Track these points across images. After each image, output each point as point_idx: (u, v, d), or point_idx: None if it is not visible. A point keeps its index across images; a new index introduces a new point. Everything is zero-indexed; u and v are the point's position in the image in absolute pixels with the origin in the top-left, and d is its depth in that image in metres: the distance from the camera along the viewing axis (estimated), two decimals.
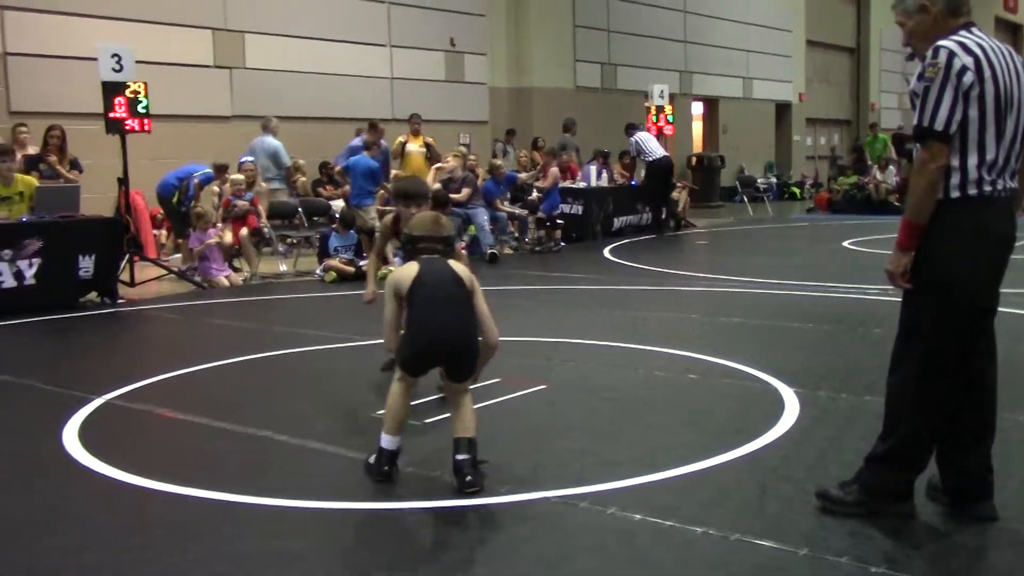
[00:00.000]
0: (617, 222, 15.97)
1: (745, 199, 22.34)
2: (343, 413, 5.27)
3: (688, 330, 7.63)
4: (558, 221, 14.07)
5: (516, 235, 14.13)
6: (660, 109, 17.92)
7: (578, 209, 15.19)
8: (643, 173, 16.58)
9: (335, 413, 5.27)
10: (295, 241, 12.72)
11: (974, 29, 3.38)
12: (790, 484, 3.95)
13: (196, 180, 11.90)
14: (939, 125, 3.26)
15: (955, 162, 3.30)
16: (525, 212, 14.23)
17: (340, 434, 4.83)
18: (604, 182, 16.19)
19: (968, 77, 3.24)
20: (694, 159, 23.84)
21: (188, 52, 14.32)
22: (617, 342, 6.95)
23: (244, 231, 11.35)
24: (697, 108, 25.40)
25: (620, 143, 17.41)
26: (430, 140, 14.06)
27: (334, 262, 11.00)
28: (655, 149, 16.07)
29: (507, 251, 13.51)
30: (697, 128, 25.67)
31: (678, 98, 23.03)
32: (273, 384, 6.05)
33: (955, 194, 3.31)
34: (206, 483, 4.08)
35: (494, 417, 5.00)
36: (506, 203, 13.83)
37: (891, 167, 20.97)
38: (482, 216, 12.83)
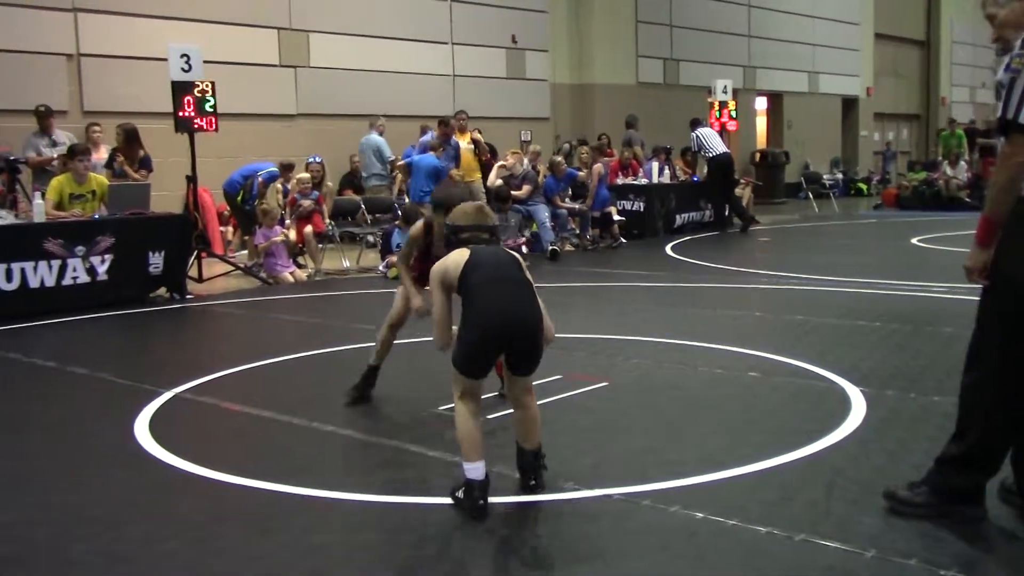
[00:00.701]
0: (679, 219, 15.85)
1: (810, 195, 22.01)
2: (405, 408, 5.31)
3: (752, 328, 7.55)
4: (615, 217, 13.98)
5: (577, 232, 14.10)
6: (723, 105, 17.75)
7: (640, 205, 15.12)
8: (705, 169, 16.45)
9: (397, 409, 5.32)
10: (372, 241, 12.80)
11: None
12: (857, 485, 3.89)
13: (260, 179, 12.08)
14: None
15: None
16: (586, 208, 14.18)
17: (403, 429, 4.87)
18: (666, 178, 16.07)
19: None
20: (758, 155, 23.55)
21: (254, 51, 14.55)
22: (680, 339, 6.90)
23: (308, 229, 11.50)
24: (761, 103, 25.08)
25: (683, 139, 17.28)
26: (477, 136, 14.06)
27: (396, 258, 11.08)
28: (715, 145, 15.92)
29: (568, 248, 13.48)
30: (761, 123, 25.34)
31: (741, 93, 22.74)
32: (337, 379, 6.12)
33: None
34: (275, 476, 4.15)
35: (557, 413, 5.00)
36: (567, 200, 13.80)
37: (962, 162, 20.50)
38: (543, 213, 12.83)
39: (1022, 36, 3.19)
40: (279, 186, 12.44)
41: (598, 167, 14.09)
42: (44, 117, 11.23)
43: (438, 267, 3.89)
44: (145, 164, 11.24)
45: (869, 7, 27.82)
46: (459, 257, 3.83)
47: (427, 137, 13.49)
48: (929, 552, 3.24)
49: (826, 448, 4.37)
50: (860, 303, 8.51)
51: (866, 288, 9.31)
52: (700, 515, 3.60)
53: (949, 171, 20.11)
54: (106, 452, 4.71)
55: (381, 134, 14.21)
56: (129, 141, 11.07)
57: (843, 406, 5.03)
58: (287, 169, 12.51)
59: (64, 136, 11.25)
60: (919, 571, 3.11)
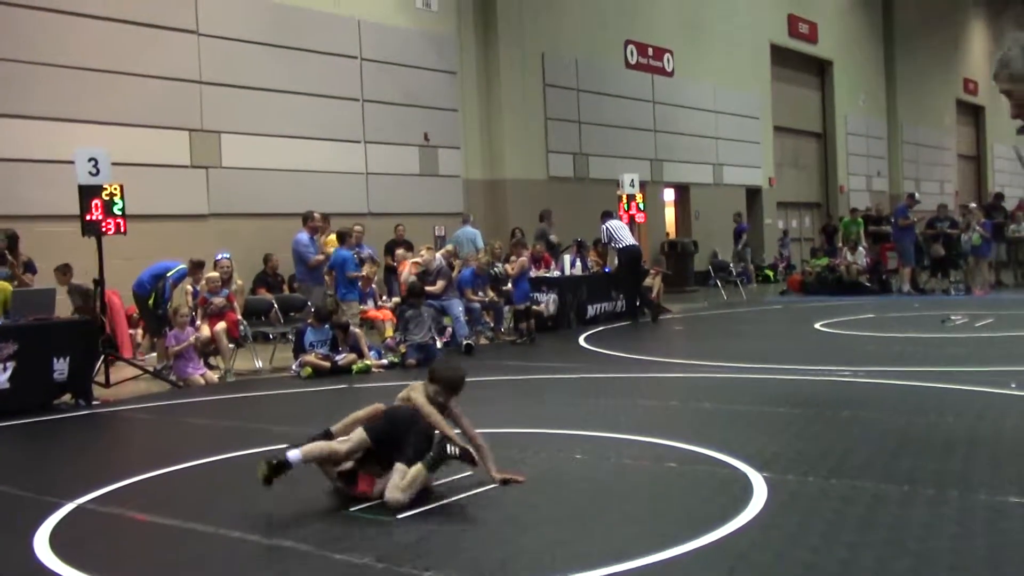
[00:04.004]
0: (591, 309, 16.13)
1: (719, 283, 22.62)
2: (318, 512, 5.27)
3: (661, 417, 7.70)
4: (533, 308, 14.18)
5: (492, 325, 14.23)
6: (631, 197, 18.26)
7: (554, 295, 15.36)
8: (615, 261, 16.83)
9: (310, 512, 5.27)
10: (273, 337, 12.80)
11: None
12: (758, 570, 3.99)
13: (171, 280, 11.96)
14: None
15: None
16: (500, 301, 14.37)
17: (313, 533, 4.83)
18: (578, 270, 16.40)
19: None
20: (667, 245, 24.20)
21: (165, 153, 14.56)
22: (590, 431, 7.00)
23: (219, 326, 11.39)
24: (669, 195, 25.87)
25: (594, 231, 17.70)
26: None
27: (310, 357, 11.04)
28: (624, 237, 16.31)
29: (483, 341, 13.59)
30: (670, 214, 26.10)
31: (649, 185, 23.47)
32: (248, 483, 6.04)
33: None
34: None
35: (468, 509, 5.03)
36: (481, 293, 13.96)
37: (860, 248, 21.39)
38: (457, 307, 12.95)
39: None
40: (188, 287, 12.34)
41: (522, 260, 14.33)
42: None
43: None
44: (30, 268, 11.10)
45: (768, 103, 29.14)
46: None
47: (304, 236, 13.45)
48: None
49: (729, 534, 4.47)
50: (765, 389, 8.76)
51: (771, 374, 9.58)
52: None
53: (849, 257, 20.94)
54: (2, 570, 4.55)
55: (473, 226, 15.69)
56: (13, 245, 10.96)
57: (745, 492, 5.15)
58: (197, 267, 12.43)
59: None
60: None
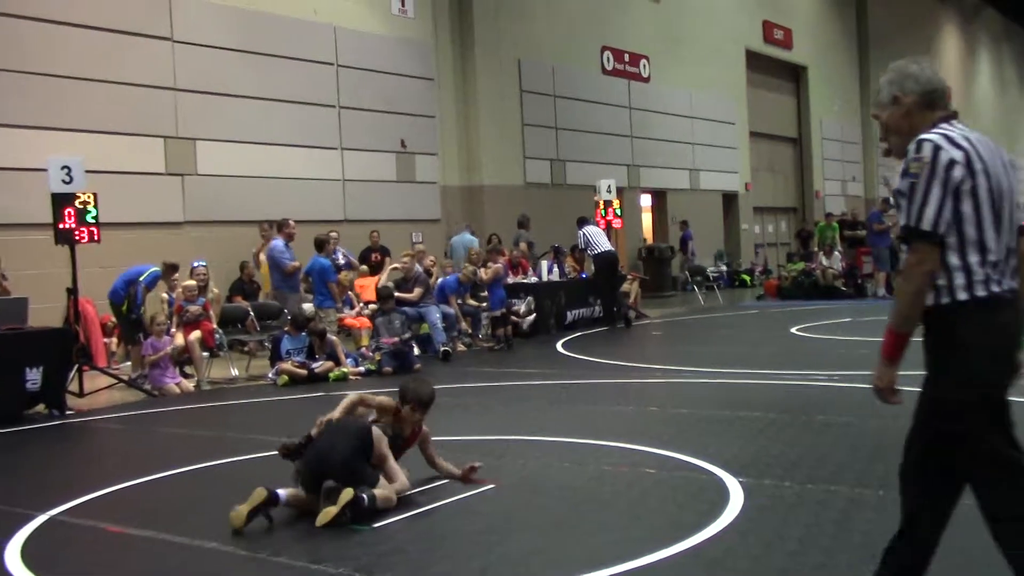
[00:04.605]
0: (570, 315, 16.14)
1: (696, 288, 22.71)
2: (294, 522, 5.23)
3: (639, 423, 7.72)
4: (512, 316, 14.18)
5: (469, 332, 14.22)
6: (608, 203, 18.31)
7: (531, 305, 15.34)
8: (592, 266, 16.87)
9: (286, 523, 5.24)
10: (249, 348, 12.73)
11: (955, 122, 3.19)
12: (735, 575, 4.00)
13: (143, 284, 11.87)
14: (927, 224, 2.99)
15: (955, 261, 3.02)
16: (479, 307, 14.36)
17: (292, 544, 4.80)
18: (556, 276, 16.42)
19: (958, 171, 3.01)
20: (644, 250, 24.27)
21: (140, 160, 14.45)
22: (569, 437, 7.00)
23: (193, 335, 11.31)
24: (646, 200, 25.95)
25: (572, 237, 17.74)
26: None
27: (286, 365, 10.99)
28: (601, 243, 16.34)
29: (461, 348, 13.57)
30: (647, 219, 26.18)
31: (626, 191, 23.56)
32: (223, 493, 6.00)
33: (963, 296, 3.02)
34: None
35: (444, 518, 5.03)
36: (458, 299, 13.96)
37: (836, 252, 21.55)
38: (434, 314, 12.92)
39: (914, 140, 3.12)
40: (164, 295, 12.25)
41: (497, 266, 14.31)
42: None
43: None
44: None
45: (744, 108, 29.31)
46: None
47: (279, 243, 13.34)
48: None
49: (705, 540, 4.48)
50: (742, 394, 8.79)
51: (748, 379, 9.62)
52: None
53: (825, 261, 21.09)
54: None
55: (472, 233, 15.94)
56: None
57: (722, 497, 5.17)
58: (171, 269, 12.33)
59: None
60: None
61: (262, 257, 13.98)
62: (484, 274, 14.21)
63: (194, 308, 11.59)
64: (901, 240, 3.20)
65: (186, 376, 11.37)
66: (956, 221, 3.01)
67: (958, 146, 3.06)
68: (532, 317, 14.74)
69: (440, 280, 14.35)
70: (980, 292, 3.01)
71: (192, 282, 11.84)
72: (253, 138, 15.96)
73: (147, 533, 5.08)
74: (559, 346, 13.62)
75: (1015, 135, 49.29)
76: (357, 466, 5.20)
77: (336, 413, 5.57)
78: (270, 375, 11.21)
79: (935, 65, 3.34)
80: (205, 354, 11.60)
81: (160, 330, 10.98)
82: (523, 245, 17.52)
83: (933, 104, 3.22)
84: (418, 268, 13.46)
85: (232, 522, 4.95)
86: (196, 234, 14.85)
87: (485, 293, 14.40)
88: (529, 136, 21.48)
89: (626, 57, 24.63)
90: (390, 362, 11.48)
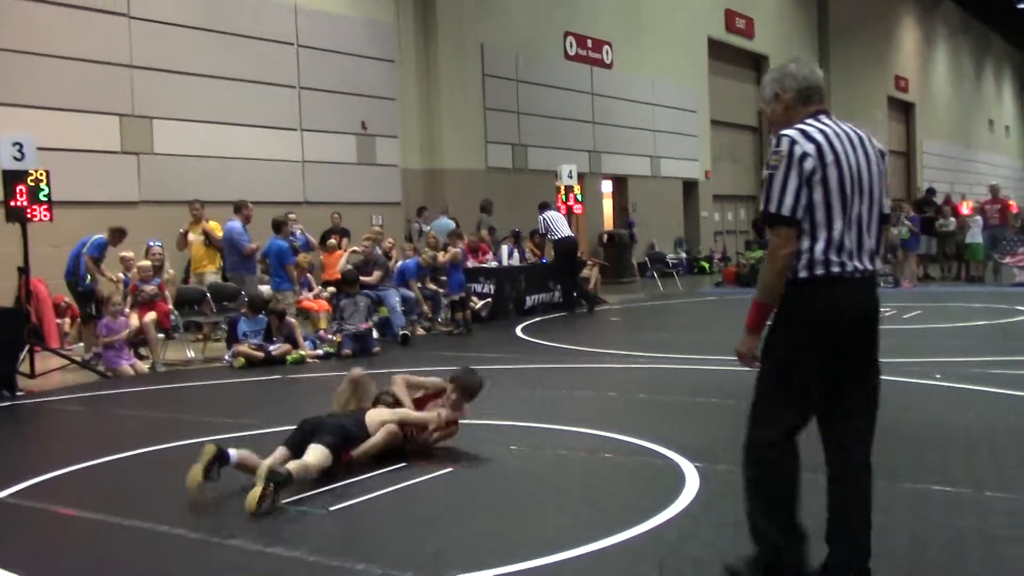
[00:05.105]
0: (529, 300, 16.15)
1: (655, 275, 22.82)
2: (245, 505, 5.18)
3: (597, 408, 7.74)
4: (471, 300, 14.16)
5: (429, 315, 14.18)
6: (569, 189, 18.31)
7: (490, 288, 15.35)
8: (552, 252, 16.88)
9: (240, 506, 5.19)
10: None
11: (822, 117, 3.48)
12: (688, 559, 4.03)
13: (86, 254, 11.69)
14: (786, 210, 3.37)
15: (804, 244, 3.40)
16: (439, 291, 14.32)
17: (246, 527, 4.76)
18: (515, 261, 16.40)
19: (809, 163, 3.35)
20: (605, 236, 24.33)
21: (94, 138, 14.21)
22: (526, 422, 7.01)
23: (149, 316, 11.16)
24: (607, 186, 26.00)
25: (532, 222, 17.73)
26: (208, 226, 13.55)
27: (243, 347, 10.89)
28: (560, 228, 16.34)
29: (420, 332, 13.52)
30: (608, 206, 26.24)
31: (587, 177, 23.58)
32: (176, 476, 5.94)
33: (803, 274, 3.42)
34: None
35: (399, 502, 5.01)
36: (418, 283, 13.91)
37: None
38: (393, 298, 12.87)
39: (775, 135, 3.46)
40: (120, 275, 12.07)
41: (455, 251, 14.25)
42: None
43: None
44: None
45: (705, 96, 29.43)
46: None
47: (237, 224, 13.19)
48: None
49: (660, 525, 4.51)
50: (699, 379, 8.85)
51: (705, 365, 9.69)
52: None
53: None
54: None
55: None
56: None
57: (678, 482, 5.20)
58: (117, 234, 12.13)
59: None
60: None
61: (191, 237, 13.70)
62: (442, 257, 14.16)
63: (149, 288, 11.44)
64: (765, 225, 3.52)
65: (141, 357, 11.21)
66: (808, 208, 3.37)
67: (812, 139, 3.38)
68: (485, 310, 14.78)
69: (400, 263, 14.30)
70: (819, 271, 3.40)
71: (147, 262, 11.68)
72: (211, 117, 15.76)
73: (97, 516, 5.01)
74: (518, 331, 13.62)
75: (970, 124, 50.09)
76: (352, 430, 5.71)
77: (404, 399, 6.19)
78: (226, 357, 11.09)
79: (813, 64, 3.67)
80: (160, 335, 11.45)
81: (115, 310, 10.82)
82: (483, 231, 17.48)
83: (808, 100, 3.54)
84: (378, 251, 13.39)
85: (189, 484, 5.02)
86: (151, 214, 14.63)
87: (445, 277, 14.35)
88: (491, 120, 21.41)
89: (589, 43, 24.62)
90: (351, 344, 11.41)
